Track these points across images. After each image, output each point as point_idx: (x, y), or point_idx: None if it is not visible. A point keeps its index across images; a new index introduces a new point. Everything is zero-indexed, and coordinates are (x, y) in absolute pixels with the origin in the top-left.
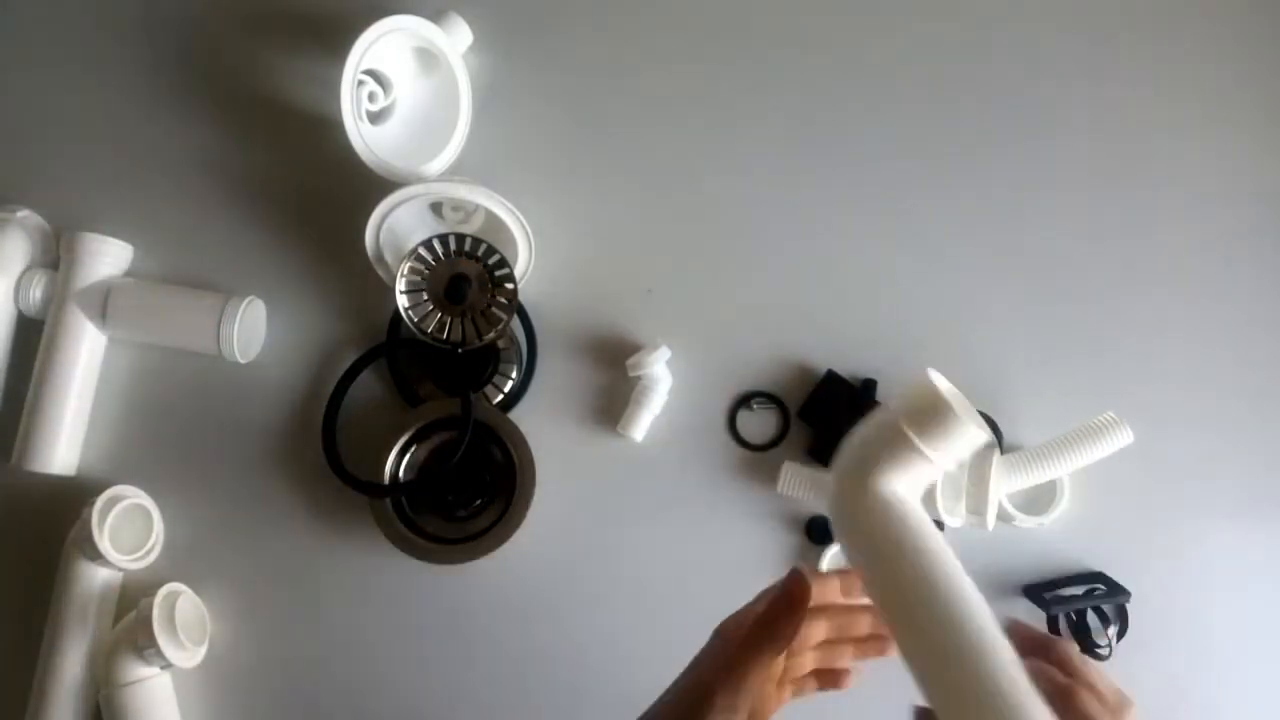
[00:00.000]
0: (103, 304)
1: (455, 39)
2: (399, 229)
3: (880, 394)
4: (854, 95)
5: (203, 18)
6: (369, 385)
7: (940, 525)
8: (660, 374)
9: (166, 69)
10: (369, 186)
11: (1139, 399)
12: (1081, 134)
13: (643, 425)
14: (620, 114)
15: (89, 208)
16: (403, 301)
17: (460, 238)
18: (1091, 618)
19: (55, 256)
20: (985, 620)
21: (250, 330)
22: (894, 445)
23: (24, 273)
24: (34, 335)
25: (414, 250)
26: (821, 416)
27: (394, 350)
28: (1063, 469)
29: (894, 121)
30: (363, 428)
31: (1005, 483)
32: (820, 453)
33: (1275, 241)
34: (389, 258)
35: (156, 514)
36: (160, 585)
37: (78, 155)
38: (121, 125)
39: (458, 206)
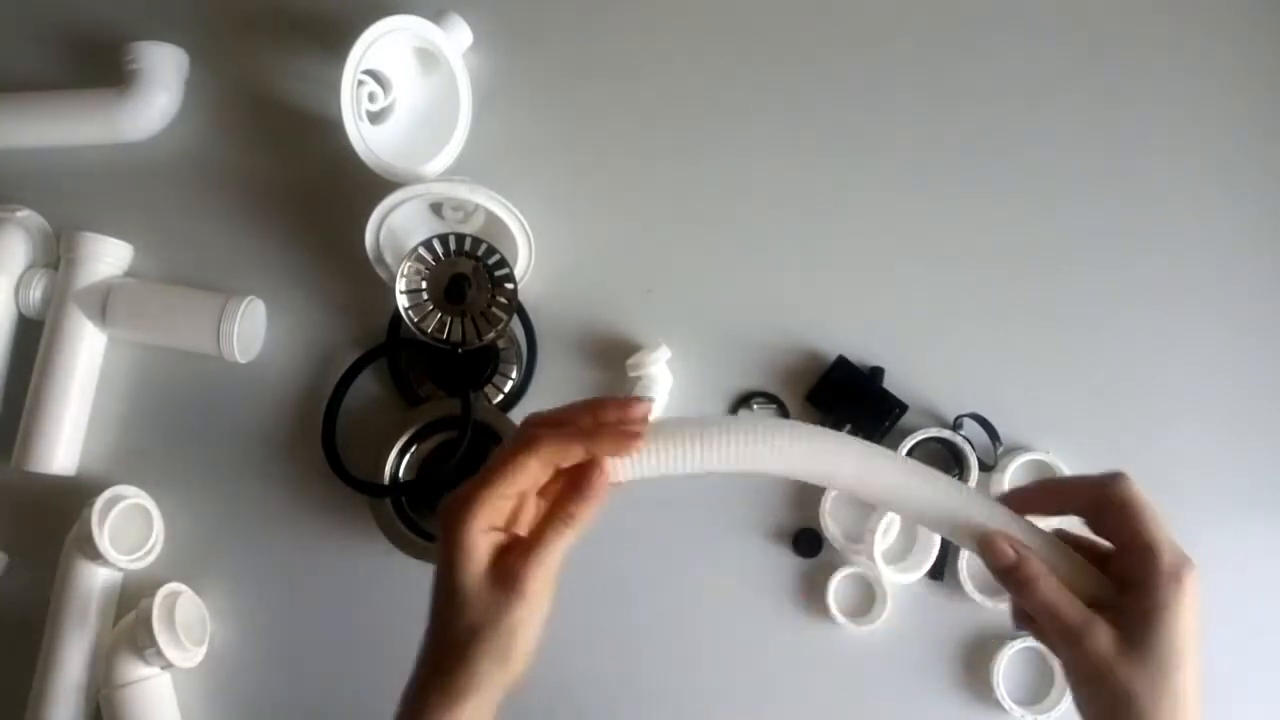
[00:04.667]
0: (103, 304)
1: (455, 39)
2: (399, 229)
3: (888, 381)
4: (857, 91)
5: (203, 17)
6: (369, 385)
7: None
8: (660, 374)
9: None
10: (369, 186)
11: (1139, 398)
12: (1089, 134)
13: None
14: (620, 113)
15: (89, 208)
16: (403, 301)
17: (460, 238)
18: None
19: (55, 256)
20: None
21: (250, 330)
22: None
23: (24, 273)
24: (34, 335)
25: (414, 250)
26: (830, 400)
27: (394, 350)
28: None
29: (897, 119)
30: (363, 428)
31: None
32: None
33: (1276, 242)
34: (389, 258)
35: (156, 514)
36: (160, 585)
37: (78, 155)
38: None
39: (458, 206)
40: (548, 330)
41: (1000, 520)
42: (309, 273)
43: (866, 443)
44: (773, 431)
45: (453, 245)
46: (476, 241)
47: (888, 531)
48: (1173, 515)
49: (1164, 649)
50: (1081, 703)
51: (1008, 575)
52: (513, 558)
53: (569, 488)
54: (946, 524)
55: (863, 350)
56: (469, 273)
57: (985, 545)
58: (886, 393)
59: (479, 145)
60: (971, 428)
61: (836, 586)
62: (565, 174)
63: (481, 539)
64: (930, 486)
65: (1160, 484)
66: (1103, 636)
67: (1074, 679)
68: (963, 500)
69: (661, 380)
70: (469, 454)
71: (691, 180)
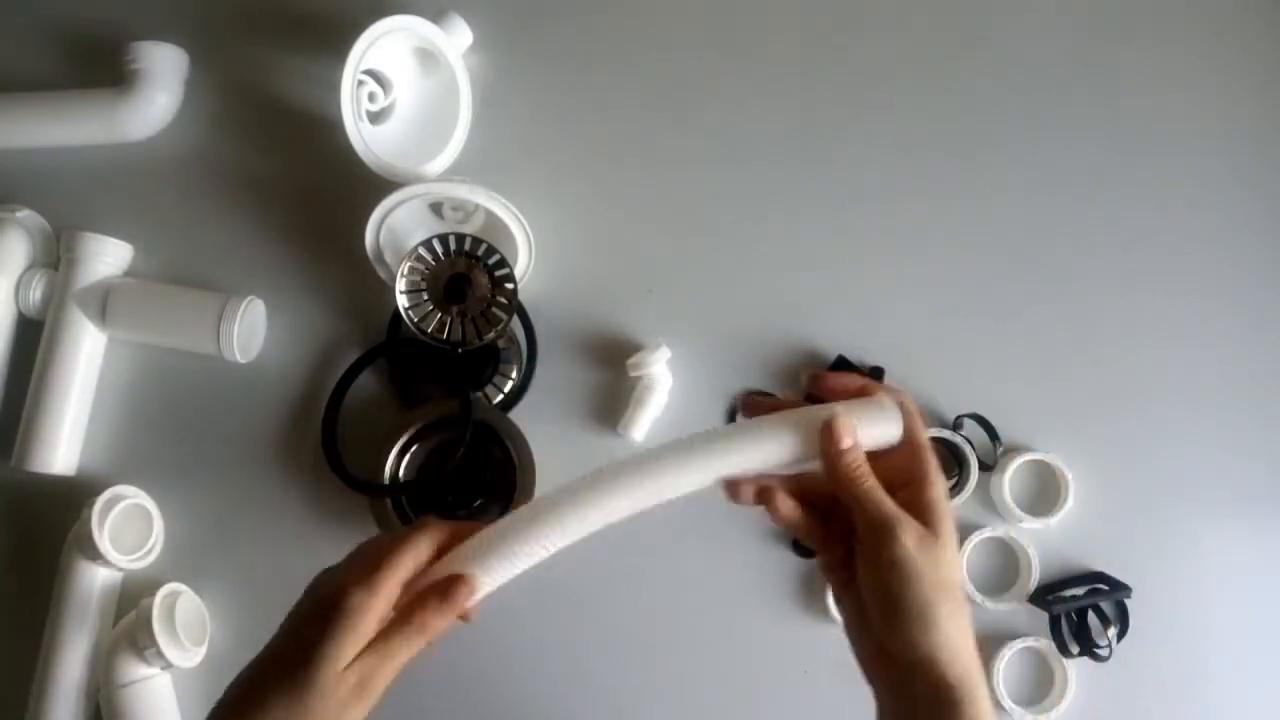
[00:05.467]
0: (103, 304)
1: (455, 39)
2: (399, 229)
3: (887, 381)
4: (856, 91)
5: (203, 18)
6: (369, 385)
7: None
8: (660, 374)
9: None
10: (369, 186)
11: (1140, 398)
12: (1085, 134)
13: (643, 425)
14: (620, 113)
15: (89, 208)
16: (403, 301)
17: (460, 238)
18: (1092, 618)
19: (55, 256)
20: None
21: (250, 330)
22: None
23: (24, 273)
24: (34, 335)
25: (414, 250)
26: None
27: (394, 350)
28: None
29: (897, 119)
30: (363, 428)
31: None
32: None
33: (1275, 241)
34: (389, 258)
35: (156, 514)
36: (160, 585)
37: (78, 155)
38: None
39: (458, 206)
40: (548, 330)
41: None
42: (309, 273)
43: (674, 451)
44: (577, 499)
45: (453, 245)
46: (476, 241)
47: None
48: (1173, 513)
49: (949, 537)
50: (881, 588)
51: (841, 459)
52: (370, 662)
53: (428, 595)
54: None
55: (863, 350)
56: (469, 273)
57: (829, 429)
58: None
59: (479, 145)
60: (971, 428)
61: None
62: (565, 174)
63: (373, 628)
64: (741, 450)
65: (1161, 483)
66: (912, 529)
67: (878, 567)
68: (773, 432)
69: (661, 380)
70: (469, 454)
71: (692, 180)
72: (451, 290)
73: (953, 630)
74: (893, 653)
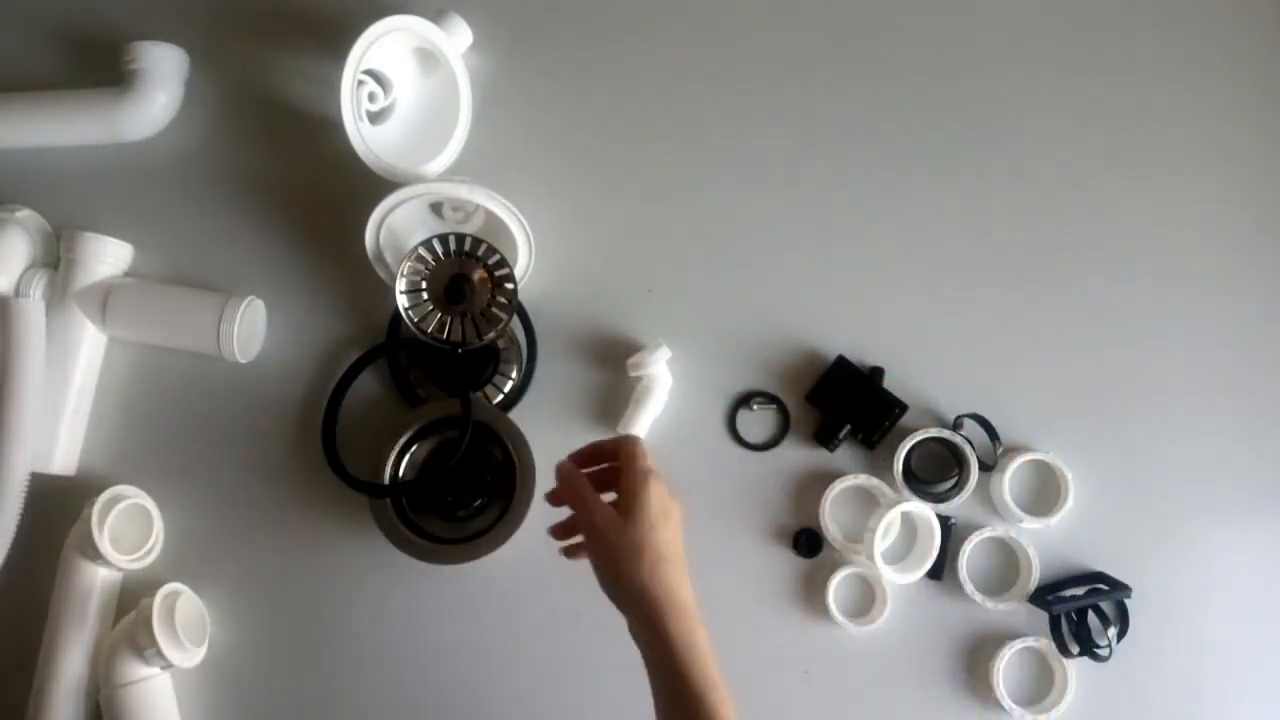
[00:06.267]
0: (103, 304)
1: (455, 39)
2: (399, 229)
3: (888, 381)
4: (853, 92)
5: (203, 18)
6: (369, 385)
7: None
8: (660, 374)
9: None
10: (369, 186)
11: (1139, 398)
12: (1085, 133)
13: (643, 425)
14: (620, 113)
15: (89, 208)
16: (403, 301)
17: (460, 238)
18: (1092, 618)
19: (55, 256)
20: None
21: (250, 330)
22: None
23: (24, 273)
24: None
25: (414, 250)
26: (829, 400)
27: (394, 350)
28: None
29: (895, 119)
30: (363, 428)
31: None
32: (825, 435)
33: (1276, 241)
34: (389, 258)
35: (156, 514)
36: (160, 585)
37: (78, 155)
38: None
39: (458, 206)
40: (548, 330)
41: None
42: (309, 273)
43: None
44: None
45: (453, 245)
46: (476, 241)
47: (888, 532)
48: (1173, 513)
49: (641, 515)
50: (599, 557)
51: (633, 448)
52: None
53: None
54: None
55: (863, 350)
56: (469, 273)
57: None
58: (886, 393)
59: (479, 145)
60: (971, 428)
61: (836, 586)
62: (566, 174)
63: None
64: None
65: (1161, 483)
66: (608, 508)
67: (591, 541)
68: None
69: (661, 380)
70: (469, 454)
71: (692, 180)
72: (451, 290)
73: (660, 568)
74: (623, 578)
